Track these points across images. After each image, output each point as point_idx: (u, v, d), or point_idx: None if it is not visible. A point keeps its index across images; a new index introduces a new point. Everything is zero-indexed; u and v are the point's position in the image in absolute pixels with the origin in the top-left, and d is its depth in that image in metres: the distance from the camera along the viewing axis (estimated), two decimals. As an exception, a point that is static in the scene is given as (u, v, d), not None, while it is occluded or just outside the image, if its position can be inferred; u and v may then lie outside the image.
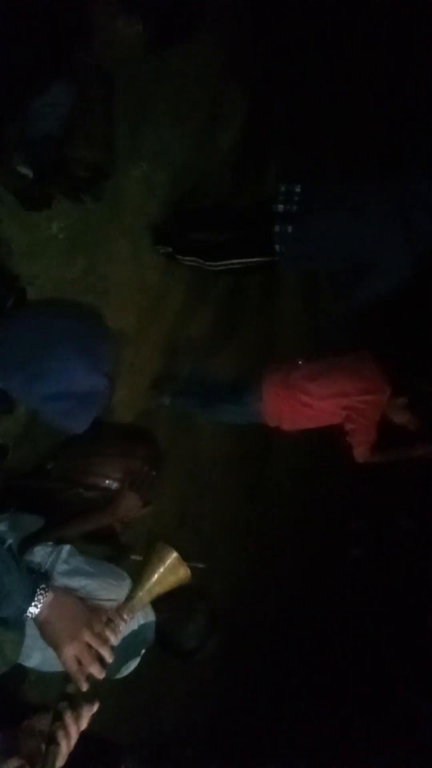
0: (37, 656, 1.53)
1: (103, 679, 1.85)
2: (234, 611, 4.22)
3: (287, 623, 4.87)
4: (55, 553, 1.76)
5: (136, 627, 1.81)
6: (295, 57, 3.96)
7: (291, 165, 4.08)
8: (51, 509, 2.01)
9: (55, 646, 1.07)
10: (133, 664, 1.87)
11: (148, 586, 1.23)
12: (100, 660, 1.09)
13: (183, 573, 1.27)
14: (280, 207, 2.50)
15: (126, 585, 1.73)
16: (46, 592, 1.07)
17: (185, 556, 1.30)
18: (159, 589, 1.25)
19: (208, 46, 3.38)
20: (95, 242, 2.73)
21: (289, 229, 2.48)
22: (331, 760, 3.69)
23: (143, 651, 1.89)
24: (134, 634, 1.81)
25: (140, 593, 1.22)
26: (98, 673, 1.07)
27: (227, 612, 4.15)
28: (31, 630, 1.38)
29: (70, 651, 1.06)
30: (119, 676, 1.86)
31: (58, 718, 1.03)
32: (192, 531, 3.90)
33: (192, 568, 1.51)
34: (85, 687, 1.07)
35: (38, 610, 1.06)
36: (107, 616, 1.15)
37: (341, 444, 2.80)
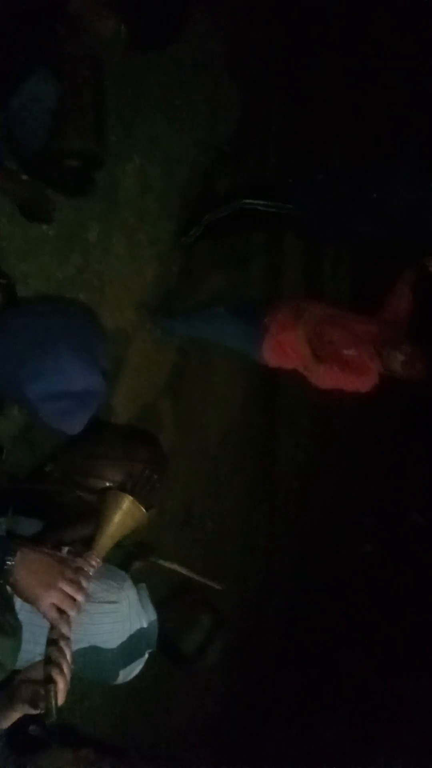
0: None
1: (109, 682, 1.82)
2: (241, 610, 4.18)
3: (296, 622, 4.83)
4: (54, 555, 1.72)
5: (141, 629, 1.77)
6: (292, 46, 3.92)
7: (288, 157, 4.04)
8: (50, 512, 1.97)
9: (33, 598, 1.12)
10: (138, 667, 1.84)
11: (108, 532, 1.31)
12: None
13: (139, 515, 1.34)
14: None
15: (127, 586, 1.69)
16: (13, 553, 1.12)
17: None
18: (119, 533, 1.33)
19: (203, 36, 3.32)
20: (90, 239, 2.69)
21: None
22: (340, 761, 3.66)
23: (147, 654, 1.85)
24: (138, 637, 1.77)
25: (102, 540, 1.30)
26: (78, 613, 1.15)
27: (233, 611, 4.12)
28: (28, 635, 1.36)
29: (48, 599, 1.11)
30: (125, 679, 1.82)
31: (49, 661, 1.11)
32: (197, 530, 3.86)
33: (209, 587, 1.56)
34: (67, 631, 1.13)
35: (13, 563, 1.11)
36: (76, 564, 1.22)
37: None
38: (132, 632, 1.68)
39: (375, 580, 5.28)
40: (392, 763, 3.78)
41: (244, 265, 3.98)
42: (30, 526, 1.88)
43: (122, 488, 1.94)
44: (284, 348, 2.70)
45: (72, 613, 1.14)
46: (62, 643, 1.13)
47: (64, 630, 1.14)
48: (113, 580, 1.71)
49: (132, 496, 1.97)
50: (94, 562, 1.26)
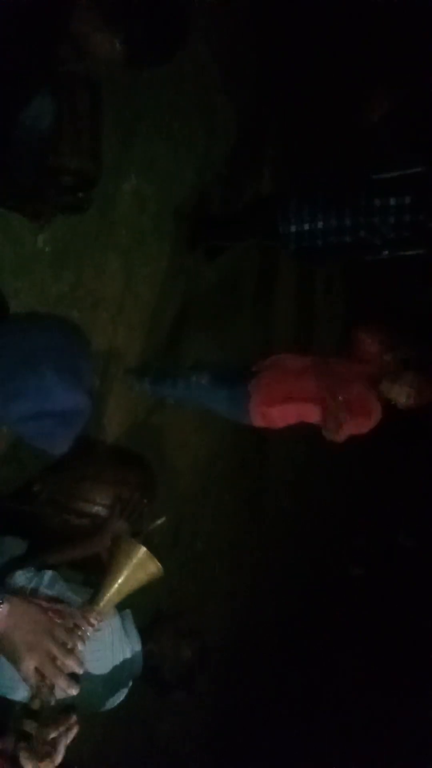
0: (22, 689, 1.45)
1: (91, 711, 1.78)
2: (230, 630, 4.13)
3: (285, 642, 4.78)
4: (36, 578, 1.69)
5: (125, 657, 1.74)
6: (289, 67, 3.96)
7: (286, 177, 4.07)
8: (36, 534, 1.94)
9: (14, 660, 0.98)
10: (122, 695, 1.80)
11: (116, 586, 1.15)
12: (70, 672, 1.01)
13: (154, 569, 1.19)
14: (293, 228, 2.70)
15: (111, 615, 1.66)
16: (1, 603, 0.98)
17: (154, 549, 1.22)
18: (128, 588, 1.17)
19: (200, 58, 3.36)
20: (83, 256, 2.68)
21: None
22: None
23: (131, 682, 1.82)
24: (121, 665, 1.74)
25: (108, 594, 1.14)
26: (66, 685, 0.98)
27: (222, 631, 4.07)
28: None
29: (30, 663, 0.97)
30: (108, 707, 1.79)
31: (20, 738, 0.94)
32: (186, 550, 3.82)
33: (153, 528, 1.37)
34: (51, 702, 0.98)
35: None
36: (73, 622, 1.06)
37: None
38: (115, 660, 1.65)
39: (364, 601, 5.25)
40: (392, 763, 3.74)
41: (236, 285, 4.00)
42: (14, 546, 1.86)
43: (102, 528, 1.90)
44: (271, 416, 2.64)
45: (57, 682, 0.98)
46: (41, 722, 0.96)
47: (46, 700, 0.97)
48: None
49: (119, 519, 1.95)
50: (94, 621, 1.10)
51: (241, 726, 4.34)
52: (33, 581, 1.67)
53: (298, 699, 4.74)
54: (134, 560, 1.18)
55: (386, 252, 2.61)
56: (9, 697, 1.49)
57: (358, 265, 4.84)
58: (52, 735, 0.95)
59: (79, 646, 1.02)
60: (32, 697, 0.98)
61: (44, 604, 1.05)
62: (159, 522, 2.05)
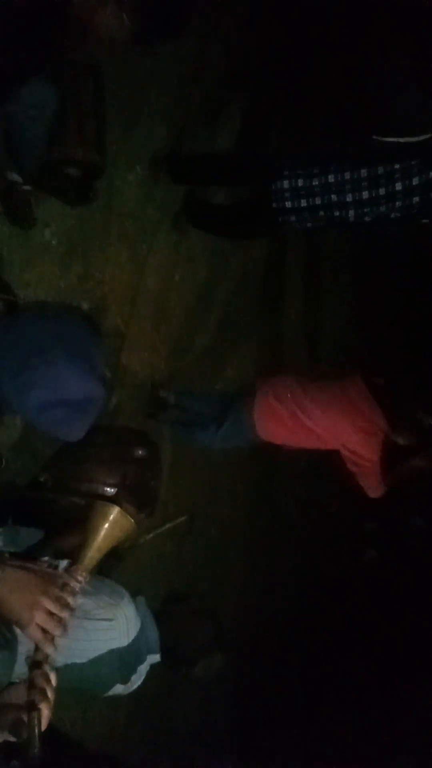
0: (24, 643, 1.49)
1: (110, 695, 1.82)
2: (244, 616, 4.17)
3: (299, 627, 4.81)
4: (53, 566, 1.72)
5: (140, 643, 1.77)
6: (294, 54, 3.91)
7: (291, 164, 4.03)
8: (48, 521, 1.97)
9: (16, 619, 1.08)
10: (139, 681, 1.84)
11: (95, 544, 1.26)
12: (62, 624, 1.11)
13: (128, 525, 1.30)
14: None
15: (124, 603, 1.69)
16: None
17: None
18: (107, 545, 1.29)
19: (204, 44, 3.33)
20: (91, 248, 2.69)
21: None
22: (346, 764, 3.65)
23: (149, 667, 1.85)
24: (137, 652, 1.78)
25: (90, 552, 1.25)
26: (63, 634, 1.09)
27: (237, 617, 4.11)
28: (23, 647, 1.35)
29: (31, 620, 1.06)
30: (125, 692, 1.82)
31: (33, 685, 1.05)
32: (201, 537, 3.85)
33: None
34: (53, 652, 1.09)
35: None
36: (62, 580, 1.16)
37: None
38: (130, 648, 1.68)
39: (378, 585, 5.26)
40: (392, 763, 3.76)
41: (246, 273, 3.99)
42: (29, 535, 1.88)
43: (113, 498, 1.94)
44: (275, 425, 2.64)
45: (57, 633, 1.08)
46: (46, 667, 1.08)
47: (49, 651, 1.08)
48: (109, 597, 1.70)
49: (128, 496, 1.97)
50: (80, 577, 1.20)
51: (259, 710, 4.40)
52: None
53: (315, 682, 4.78)
54: (109, 519, 1.28)
55: (396, 214, 2.40)
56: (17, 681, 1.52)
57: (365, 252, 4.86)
58: (52, 679, 1.07)
59: (70, 600, 1.12)
60: (36, 650, 1.09)
61: (34, 567, 1.15)
62: (180, 519, 2.09)
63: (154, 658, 1.82)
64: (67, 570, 1.22)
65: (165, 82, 3.09)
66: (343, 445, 2.53)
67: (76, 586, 1.18)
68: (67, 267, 2.58)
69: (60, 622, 1.08)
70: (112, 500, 1.89)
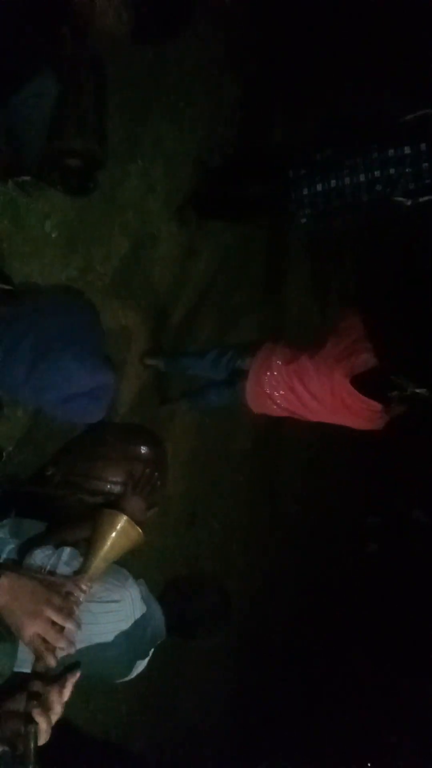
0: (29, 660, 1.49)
1: (116, 679, 1.82)
2: (248, 609, 4.17)
3: (301, 620, 4.83)
4: (55, 555, 1.72)
5: (146, 626, 1.77)
6: (293, 44, 3.89)
7: (294, 143, 4.02)
8: (53, 515, 1.97)
9: (16, 628, 1.05)
10: (143, 664, 1.84)
11: (102, 553, 1.25)
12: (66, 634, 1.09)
13: (135, 535, 1.28)
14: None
15: (129, 584, 1.69)
16: None
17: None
18: (113, 554, 1.27)
19: (204, 37, 3.31)
20: (92, 240, 2.68)
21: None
22: (342, 759, 3.66)
23: (152, 650, 1.85)
24: (141, 634, 1.78)
25: (95, 561, 1.23)
26: (67, 646, 1.06)
27: (239, 609, 4.12)
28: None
29: (32, 629, 1.04)
30: (129, 677, 1.83)
31: (32, 697, 1.01)
32: (203, 530, 3.86)
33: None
34: (53, 663, 1.05)
35: None
36: (66, 589, 1.14)
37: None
38: (136, 630, 1.68)
39: (379, 578, 5.27)
40: (393, 763, 3.78)
41: (246, 266, 3.98)
42: (33, 528, 1.88)
43: (120, 498, 1.94)
44: (264, 400, 2.61)
45: (59, 645, 1.05)
46: (47, 679, 1.03)
47: (50, 662, 1.05)
48: (115, 579, 1.70)
49: (133, 495, 1.97)
50: (84, 587, 1.18)
51: (260, 700, 4.41)
52: (52, 558, 1.69)
53: (315, 679, 4.79)
54: (117, 528, 1.27)
55: (409, 202, 2.50)
56: (22, 670, 1.53)
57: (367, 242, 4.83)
58: (57, 691, 1.03)
59: (73, 611, 1.09)
60: (37, 660, 1.06)
61: (38, 576, 1.13)
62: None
63: (160, 636, 1.83)
64: (71, 579, 1.19)
65: (166, 74, 3.07)
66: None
67: (80, 596, 1.15)
68: (68, 259, 2.57)
69: (62, 632, 1.05)
70: (120, 507, 1.91)
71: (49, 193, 2.41)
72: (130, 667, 1.77)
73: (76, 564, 1.69)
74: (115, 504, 1.99)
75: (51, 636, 1.04)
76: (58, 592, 1.10)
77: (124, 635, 1.68)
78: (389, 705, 4.50)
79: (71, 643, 1.06)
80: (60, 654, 1.05)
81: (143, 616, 1.72)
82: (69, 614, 1.07)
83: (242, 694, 4.30)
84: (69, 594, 1.13)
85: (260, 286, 4.16)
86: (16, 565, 1.26)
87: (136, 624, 1.70)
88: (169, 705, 3.61)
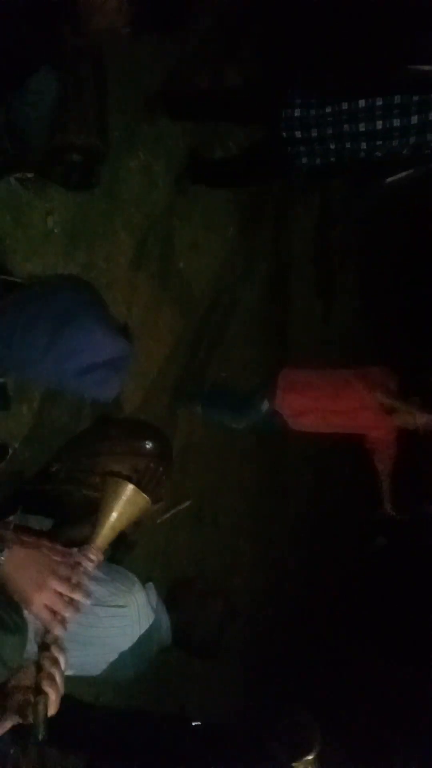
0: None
1: (120, 681, 1.82)
2: (255, 605, 4.18)
3: (310, 615, 4.82)
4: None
5: (152, 630, 1.77)
6: (294, 40, 3.87)
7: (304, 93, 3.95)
8: (58, 511, 1.98)
9: (23, 599, 1.04)
10: (143, 666, 1.84)
11: (109, 522, 1.21)
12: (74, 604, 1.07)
13: (142, 502, 1.24)
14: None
15: (136, 589, 1.69)
16: (3, 547, 1.04)
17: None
18: (121, 523, 1.24)
19: (205, 32, 3.29)
20: (94, 236, 2.68)
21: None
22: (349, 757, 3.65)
23: (154, 651, 1.86)
24: (148, 638, 1.77)
25: (103, 531, 1.20)
26: (74, 614, 1.06)
27: (248, 606, 4.11)
28: (32, 635, 1.35)
29: (39, 600, 1.02)
30: (134, 677, 1.83)
31: (41, 669, 1.01)
32: (210, 525, 3.85)
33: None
34: (62, 633, 1.05)
35: (3, 558, 1.03)
36: (74, 560, 1.11)
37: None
38: (142, 635, 1.68)
39: (387, 572, 5.25)
40: (394, 763, 3.76)
41: (249, 261, 3.96)
42: (38, 524, 1.89)
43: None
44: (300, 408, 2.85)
45: (67, 614, 1.04)
46: (55, 650, 1.03)
47: (58, 632, 1.04)
48: (121, 584, 1.70)
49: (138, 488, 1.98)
50: (93, 556, 1.15)
51: (267, 697, 4.41)
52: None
53: (326, 671, 4.78)
54: (123, 497, 1.23)
55: (408, 152, 2.33)
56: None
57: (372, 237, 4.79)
58: (62, 662, 1.04)
59: (82, 580, 1.08)
60: (46, 632, 1.05)
61: (45, 544, 1.10)
62: (185, 505, 2.08)
63: (165, 643, 1.82)
64: (79, 549, 1.16)
65: (166, 68, 3.06)
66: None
67: (89, 565, 1.13)
68: (70, 256, 2.57)
69: (70, 602, 1.04)
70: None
71: (50, 189, 2.41)
72: (136, 670, 1.77)
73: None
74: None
75: (59, 606, 1.03)
76: (66, 561, 1.08)
77: (130, 640, 1.68)
78: (402, 702, 4.49)
79: (79, 610, 1.06)
80: (69, 622, 1.05)
81: (149, 621, 1.72)
82: (77, 584, 1.06)
83: (249, 691, 4.31)
84: (77, 564, 1.10)
85: (264, 280, 4.15)
86: (25, 532, 1.25)
87: (142, 629, 1.70)
88: (179, 701, 3.61)
